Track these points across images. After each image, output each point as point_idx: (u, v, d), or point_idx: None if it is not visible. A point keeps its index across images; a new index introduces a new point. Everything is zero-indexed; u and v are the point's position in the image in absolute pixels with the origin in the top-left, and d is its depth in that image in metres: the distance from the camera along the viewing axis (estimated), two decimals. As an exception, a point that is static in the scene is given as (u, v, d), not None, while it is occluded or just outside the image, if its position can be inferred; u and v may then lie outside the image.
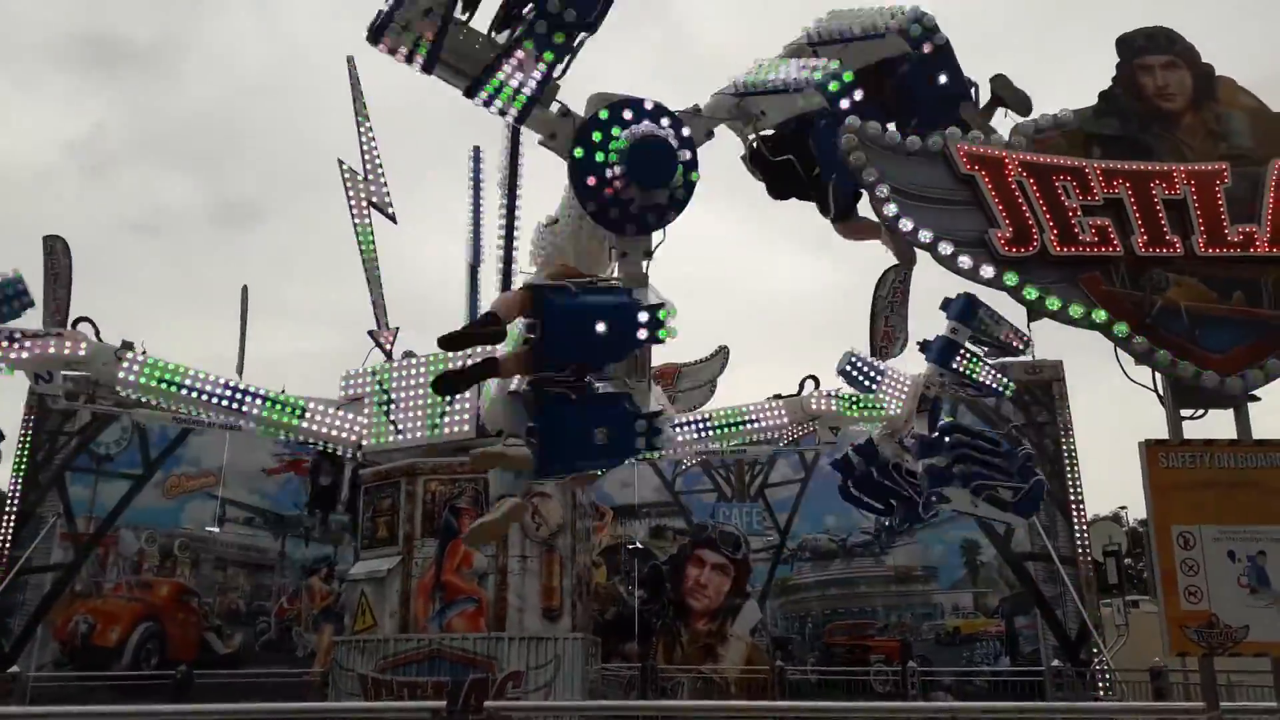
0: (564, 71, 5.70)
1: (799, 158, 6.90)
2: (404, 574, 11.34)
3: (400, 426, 11.57)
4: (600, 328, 5.28)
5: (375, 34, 5.45)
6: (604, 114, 5.59)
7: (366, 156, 13.53)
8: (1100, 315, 6.45)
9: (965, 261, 6.46)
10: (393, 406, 11.68)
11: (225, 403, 10.77)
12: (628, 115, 5.57)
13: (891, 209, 6.35)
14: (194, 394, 10.65)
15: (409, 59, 5.48)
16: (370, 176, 13.50)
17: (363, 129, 13.49)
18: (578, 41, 5.63)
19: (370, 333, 13.26)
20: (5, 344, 9.49)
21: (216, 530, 18.44)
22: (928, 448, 8.92)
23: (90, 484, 17.81)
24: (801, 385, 12.57)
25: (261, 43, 78.60)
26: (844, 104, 6.30)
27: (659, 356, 13.57)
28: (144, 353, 10.72)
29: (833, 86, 6.15)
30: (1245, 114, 7.29)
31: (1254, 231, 6.79)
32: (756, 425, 12.52)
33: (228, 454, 18.44)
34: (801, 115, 6.73)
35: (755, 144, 6.92)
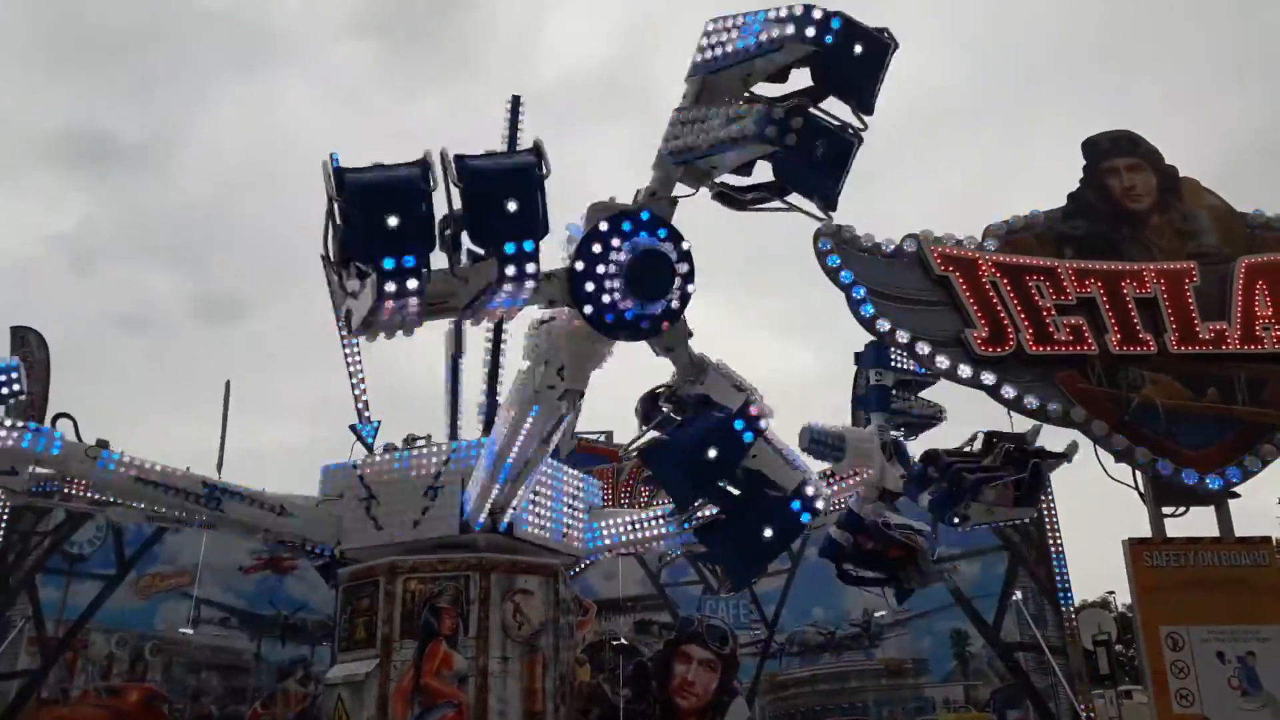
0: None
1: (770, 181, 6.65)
2: (382, 677, 11.01)
3: (381, 523, 11.33)
4: (711, 454, 5.49)
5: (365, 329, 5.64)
6: (604, 226, 5.67)
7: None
8: (1078, 413, 6.51)
9: (943, 361, 6.54)
10: (374, 502, 11.46)
11: (204, 502, 10.56)
12: (627, 227, 5.66)
13: (869, 309, 6.44)
14: (171, 494, 10.45)
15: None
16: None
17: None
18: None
19: (352, 426, 13.05)
20: None
21: (190, 632, 17.93)
22: (918, 483, 8.70)
23: (61, 586, 17.35)
24: None
25: (249, 137, 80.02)
26: (790, 139, 5.88)
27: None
28: (121, 452, 10.58)
29: (770, 132, 5.79)
30: (1210, 213, 7.50)
31: (1224, 329, 6.92)
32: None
33: (204, 552, 18.08)
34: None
35: (721, 192, 6.70)
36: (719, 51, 6.05)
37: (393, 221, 5.27)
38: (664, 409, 6.30)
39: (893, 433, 8.94)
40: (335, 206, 5.37)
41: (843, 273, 6.48)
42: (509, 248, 5.40)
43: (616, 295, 5.61)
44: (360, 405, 13.17)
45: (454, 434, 13.11)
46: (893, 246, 6.60)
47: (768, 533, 5.86)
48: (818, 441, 10.74)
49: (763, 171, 6.23)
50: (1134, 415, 6.81)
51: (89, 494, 10.58)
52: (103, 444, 10.39)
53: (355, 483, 11.57)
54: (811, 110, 5.78)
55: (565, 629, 12.26)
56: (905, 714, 18.10)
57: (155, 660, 17.89)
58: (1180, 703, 6.38)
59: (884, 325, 6.54)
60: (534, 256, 5.40)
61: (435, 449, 11.40)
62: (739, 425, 5.75)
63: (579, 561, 12.62)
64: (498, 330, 12.10)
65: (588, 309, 5.69)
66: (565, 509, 12.05)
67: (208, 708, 18.26)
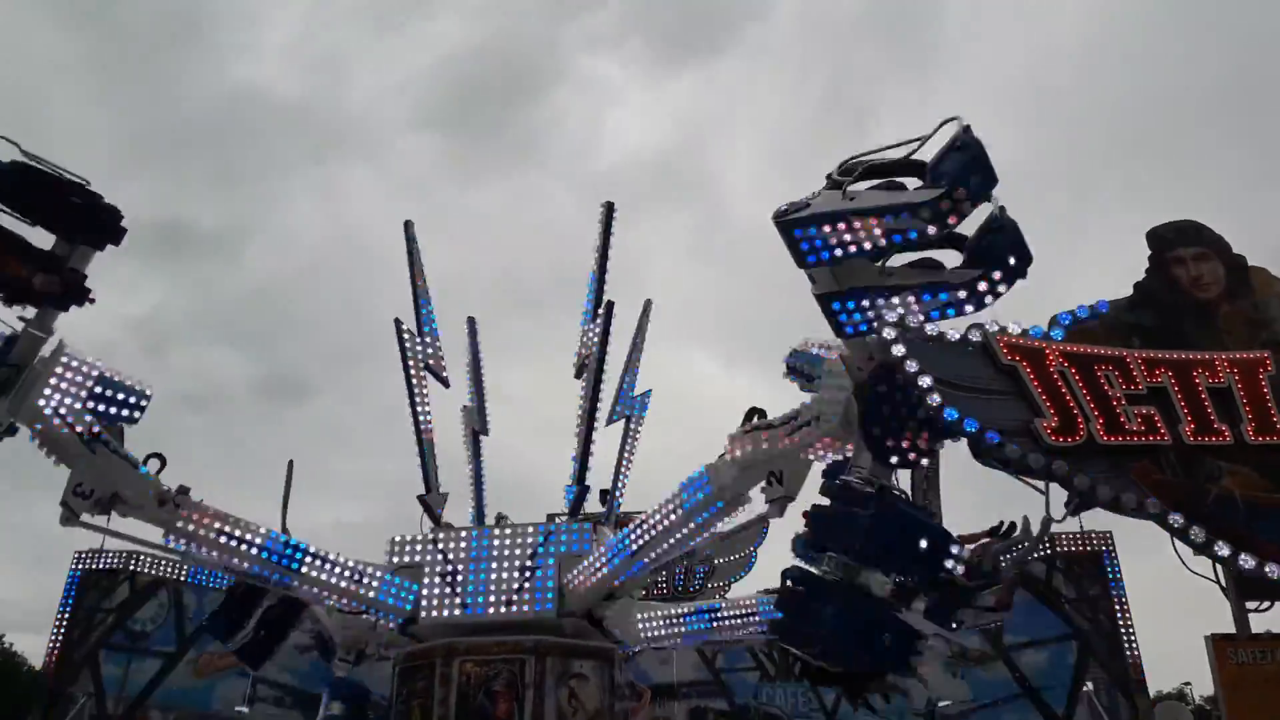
0: None
1: None
2: (438, 762, 10.88)
3: (467, 600, 11.06)
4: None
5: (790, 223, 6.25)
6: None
7: (423, 314, 13.28)
8: (1154, 504, 6.39)
9: (1014, 450, 6.47)
10: (457, 577, 11.19)
11: (283, 561, 10.38)
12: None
13: (936, 399, 6.43)
14: (252, 549, 10.29)
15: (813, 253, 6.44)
16: (426, 339, 13.10)
17: (419, 289, 13.32)
18: None
19: (420, 498, 12.55)
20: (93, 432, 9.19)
21: (245, 710, 17.98)
22: (885, 559, 7.61)
23: (123, 663, 17.55)
24: (747, 419, 11.22)
25: (319, 224, 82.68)
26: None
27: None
28: (200, 500, 10.34)
29: None
30: (1282, 302, 7.43)
31: (1303, 419, 6.80)
32: (681, 512, 10.16)
33: (262, 630, 18.16)
34: None
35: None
36: (825, 256, 6.75)
37: None
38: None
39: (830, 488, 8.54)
40: None
41: (908, 361, 6.51)
42: None
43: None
44: (431, 475, 12.65)
45: (480, 515, 13.00)
46: (957, 335, 6.63)
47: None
48: (798, 371, 10.25)
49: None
50: (1212, 507, 6.63)
51: (168, 540, 10.21)
52: (184, 490, 10.14)
53: (435, 555, 11.29)
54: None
55: (620, 715, 12.05)
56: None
57: (211, 739, 17.94)
58: (1269, 808, 6.11)
59: (952, 414, 6.53)
60: None
61: (524, 528, 11.30)
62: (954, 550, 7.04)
63: (635, 646, 12.49)
64: (590, 416, 11.98)
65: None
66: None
67: (262, 788, 18.20)
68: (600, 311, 12.16)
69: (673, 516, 9.62)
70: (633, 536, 10.07)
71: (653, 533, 9.82)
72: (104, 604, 17.74)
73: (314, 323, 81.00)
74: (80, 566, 17.54)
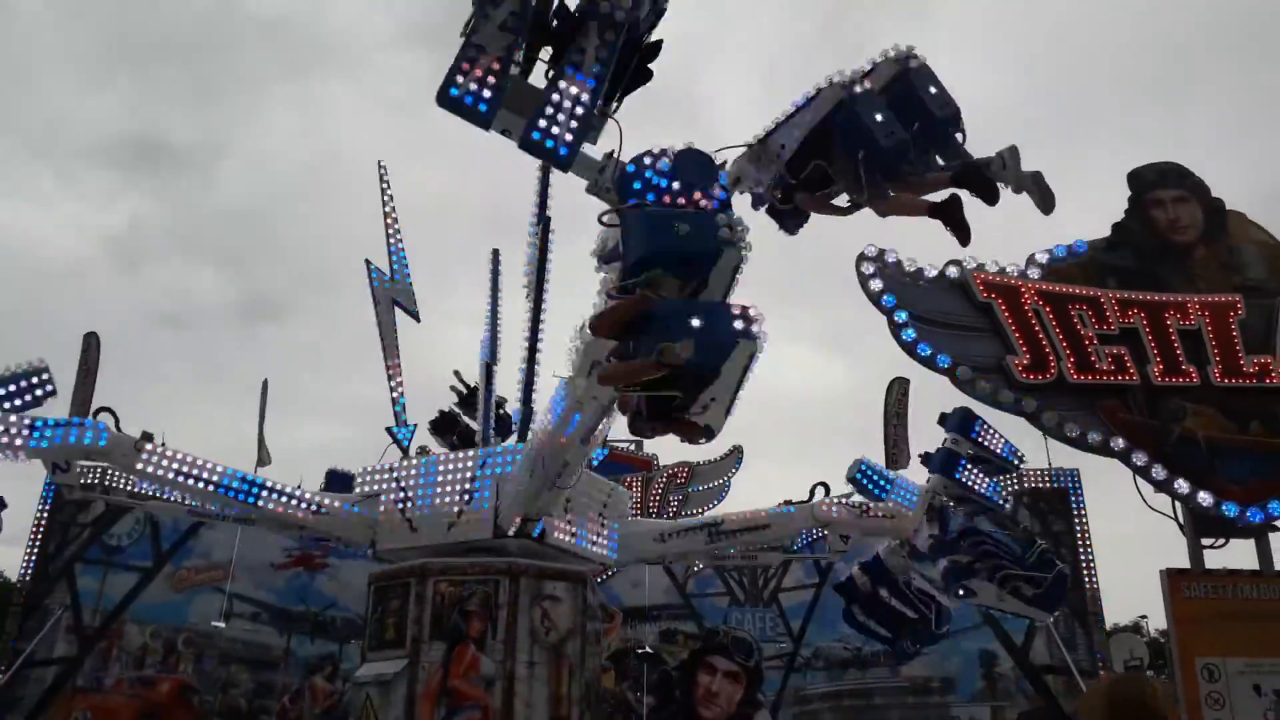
0: (612, 102, 5.78)
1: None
2: (410, 678, 11.12)
3: (415, 525, 11.40)
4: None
5: (443, 91, 5.64)
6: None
7: (394, 256, 13.67)
8: (1118, 443, 6.51)
9: (984, 386, 6.56)
10: (408, 505, 11.51)
11: (241, 497, 10.66)
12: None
13: (910, 334, 6.48)
14: (210, 488, 10.58)
15: (475, 105, 5.59)
16: (396, 276, 13.58)
17: (390, 230, 13.73)
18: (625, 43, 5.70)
19: (388, 429, 13.03)
20: (26, 432, 9.54)
21: (222, 625, 18.17)
22: (944, 548, 8.72)
23: (99, 576, 17.68)
24: (812, 493, 12.35)
25: (298, 143, 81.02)
26: (860, 87, 6.01)
27: (671, 455, 13.63)
28: (163, 444, 10.69)
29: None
30: (1256, 247, 7.46)
31: (1269, 362, 6.88)
32: (768, 533, 12.17)
33: (238, 548, 18.33)
34: (818, 128, 6.45)
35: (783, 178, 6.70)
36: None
37: None
38: None
39: (944, 497, 8.97)
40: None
41: (885, 297, 6.51)
42: None
43: None
44: (397, 409, 13.31)
45: (486, 440, 13.22)
46: (935, 272, 6.64)
47: None
48: (864, 474, 10.64)
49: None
50: (1175, 446, 6.77)
51: (131, 486, 10.73)
52: (147, 436, 10.50)
53: (392, 485, 11.66)
54: None
55: (592, 636, 12.32)
56: (930, 733, 18.02)
57: (187, 652, 18.17)
58: (1214, 735, 6.38)
59: (925, 350, 6.57)
60: None
61: (469, 453, 11.52)
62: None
63: (607, 569, 12.69)
64: (534, 332, 12.14)
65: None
66: (594, 517, 12.13)
67: (237, 701, 18.51)
68: (539, 228, 12.18)
69: (543, 432, 10.07)
70: (535, 448, 10.24)
71: (542, 441, 10.18)
72: (80, 518, 17.78)
73: (292, 244, 79.96)
74: (55, 481, 17.58)
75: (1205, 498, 6.80)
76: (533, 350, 12.26)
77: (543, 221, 12.07)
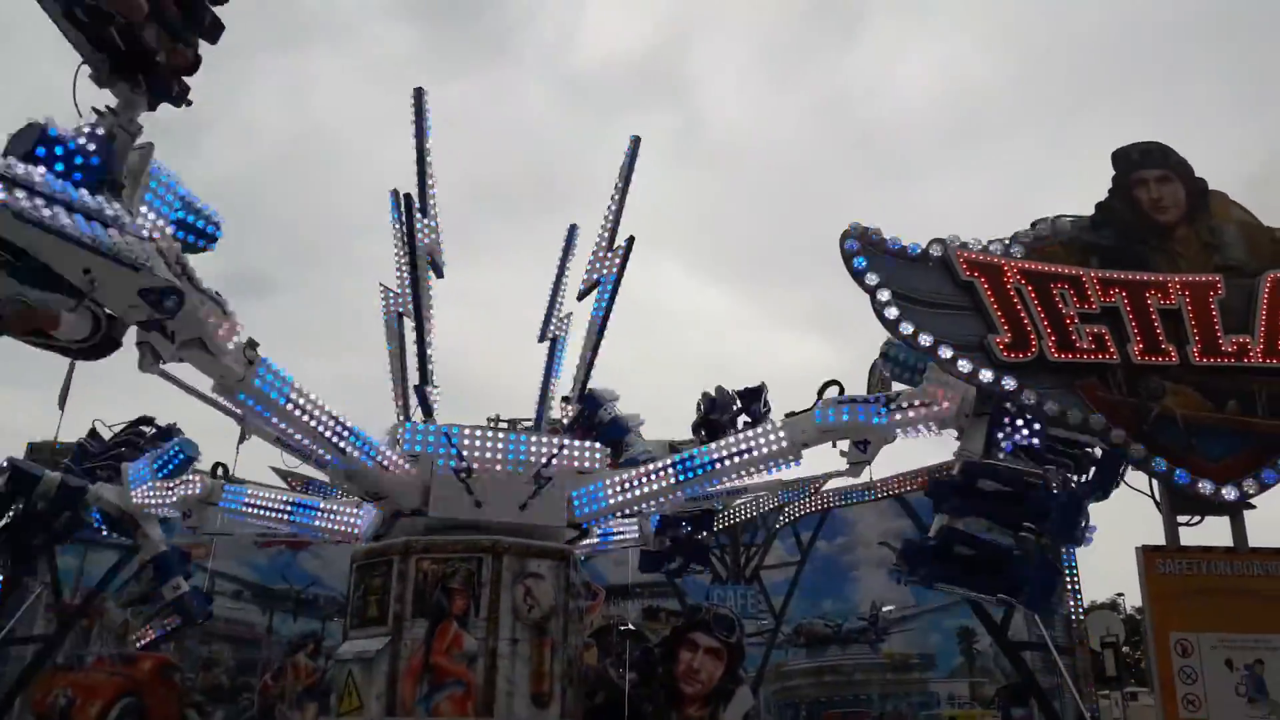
0: None
1: None
2: (392, 655, 11.11)
3: (480, 499, 10.94)
4: None
5: None
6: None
7: (427, 193, 11.71)
8: (1097, 421, 6.57)
9: (965, 365, 6.59)
10: (474, 474, 10.93)
11: (331, 436, 9.72)
12: None
13: (893, 312, 6.50)
14: (308, 419, 9.49)
15: None
16: (429, 219, 11.75)
17: (424, 165, 11.79)
18: None
19: (417, 388, 11.77)
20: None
21: (204, 604, 18.14)
22: (920, 556, 8.04)
23: (80, 554, 17.59)
24: (821, 391, 10.42)
25: (283, 115, 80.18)
26: None
27: (651, 433, 13.66)
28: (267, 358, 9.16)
29: None
30: (1238, 227, 7.51)
31: (1247, 342, 6.95)
32: (749, 456, 10.50)
33: (220, 525, 18.23)
34: None
35: None
36: None
37: None
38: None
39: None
40: None
41: (868, 275, 6.53)
42: None
43: None
44: (430, 367, 11.80)
45: (539, 424, 12.84)
46: (919, 250, 6.66)
47: None
48: (894, 360, 9.88)
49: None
50: (1153, 425, 6.85)
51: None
52: (253, 345, 8.86)
53: (449, 451, 10.98)
54: None
55: (575, 613, 12.34)
56: (910, 708, 18.21)
57: (169, 630, 18.12)
58: (1187, 708, 6.48)
59: (907, 328, 6.60)
60: None
61: (542, 439, 11.31)
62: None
63: (591, 547, 12.71)
64: (600, 333, 11.91)
65: None
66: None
67: (219, 678, 18.51)
68: (620, 245, 12.06)
69: (733, 459, 9.94)
70: (679, 467, 10.26)
71: (706, 469, 10.20)
72: (59, 496, 17.62)
73: (277, 218, 79.26)
74: (34, 458, 17.42)
75: (1182, 475, 6.88)
76: (594, 350, 11.94)
77: (627, 243, 11.94)
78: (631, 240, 11.94)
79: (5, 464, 12.57)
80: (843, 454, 9.12)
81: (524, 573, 11.17)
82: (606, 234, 12.24)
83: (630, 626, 19.17)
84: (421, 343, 11.73)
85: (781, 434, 9.82)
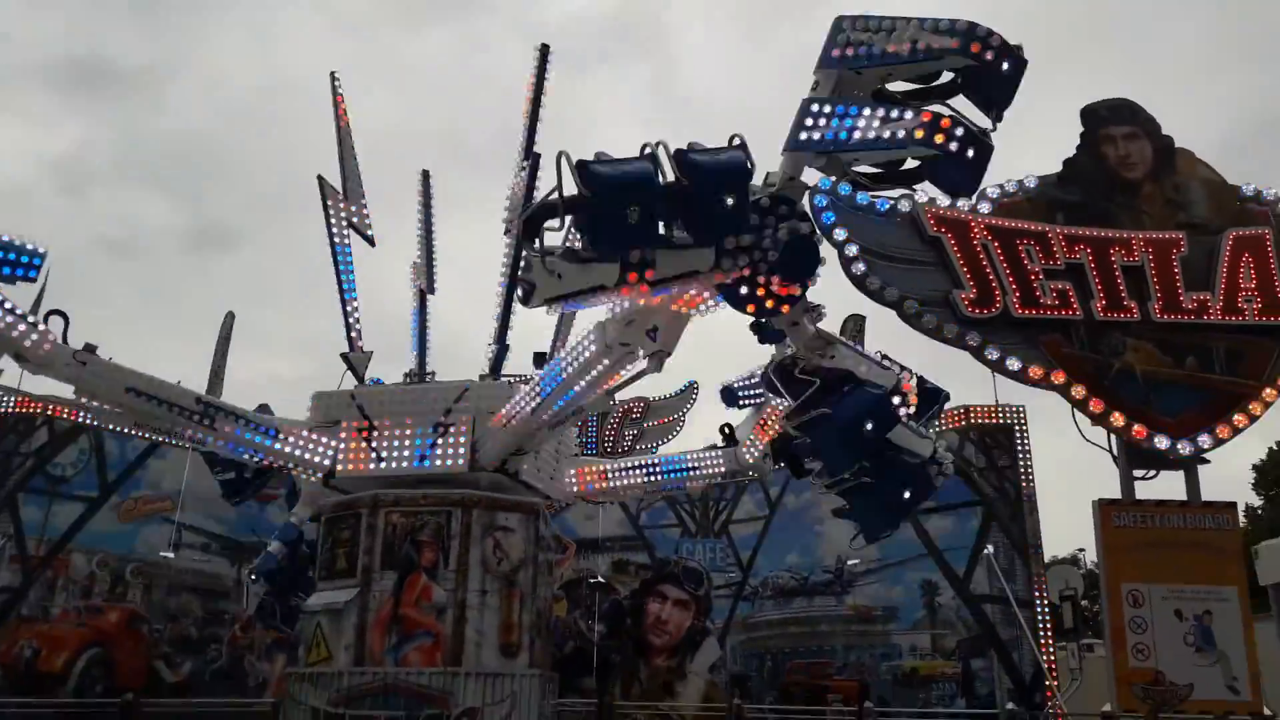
0: None
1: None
2: (361, 606, 11.12)
3: (383, 454, 11.14)
4: (869, 426, 5.69)
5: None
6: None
7: (347, 176, 12.65)
8: (1059, 377, 6.63)
9: (930, 320, 6.62)
10: (375, 433, 11.18)
11: (195, 418, 10.36)
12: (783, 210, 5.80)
13: (860, 267, 6.50)
14: (162, 406, 10.20)
15: None
16: (352, 197, 12.52)
17: (345, 147, 12.67)
18: None
19: (344, 355, 12.20)
20: None
21: (171, 556, 18.05)
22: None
23: (44, 506, 17.39)
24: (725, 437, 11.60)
25: (250, 66, 78.46)
26: (954, 146, 5.84)
27: (626, 390, 13.65)
28: (110, 358, 10.16)
29: (938, 140, 5.82)
30: (1202, 185, 7.56)
31: (1207, 299, 7.03)
32: (698, 473, 11.75)
33: (187, 477, 18.11)
34: None
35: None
36: (862, 51, 6.23)
37: (634, 215, 5.43)
38: (809, 381, 6.46)
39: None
40: (568, 195, 5.40)
41: (836, 230, 6.53)
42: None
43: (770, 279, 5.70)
44: (354, 334, 12.66)
45: (421, 372, 12.96)
46: (888, 205, 6.64)
47: (906, 494, 6.26)
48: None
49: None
50: (1113, 381, 6.94)
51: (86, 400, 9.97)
52: (90, 348, 9.96)
53: (353, 411, 11.29)
54: (965, 118, 6.01)
55: (544, 566, 12.42)
56: (873, 659, 18.53)
57: (135, 582, 18.03)
58: (1136, 657, 6.65)
59: (874, 283, 6.62)
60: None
61: (443, 385, 11.30)
62: (896, 401, 6.03)
63: (562, 501, 12.76)
64: (513, 274, 11.83)
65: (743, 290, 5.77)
66: (552, 454, 12.17)
67: (187, 629, 18.49)
68: (526, 163, 11.83)
69: (567, 372, 9.69)
70: (529, 394, 10.18)
71: (549, 389, 9.92)
72: (21, 447, 17.40)
73: (243, 170, 77.98)
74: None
75: (1140, 430, 6.99)
76: (510, 290, 11.93)
77: (530, 159, 11.74)
78: (537, 158, 11.77)
79: None
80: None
81: (493, 525, 11.20)
82: (521, 152, 12.10)
83: (600, 579, 19.38)
84: (345, 313, 12.21)
85: (720, 461, 10.74)
